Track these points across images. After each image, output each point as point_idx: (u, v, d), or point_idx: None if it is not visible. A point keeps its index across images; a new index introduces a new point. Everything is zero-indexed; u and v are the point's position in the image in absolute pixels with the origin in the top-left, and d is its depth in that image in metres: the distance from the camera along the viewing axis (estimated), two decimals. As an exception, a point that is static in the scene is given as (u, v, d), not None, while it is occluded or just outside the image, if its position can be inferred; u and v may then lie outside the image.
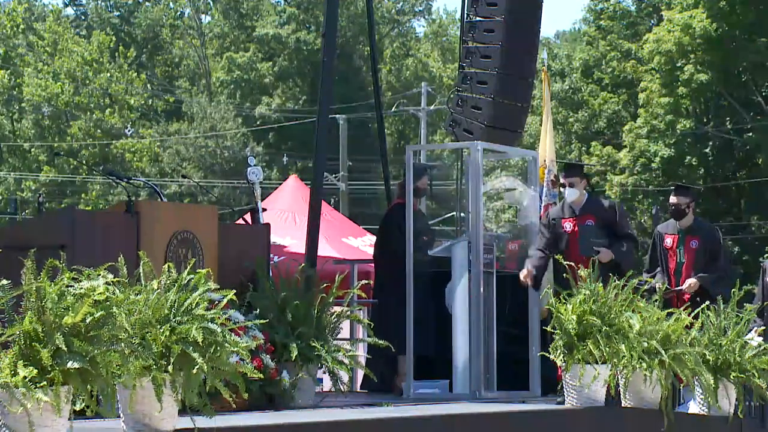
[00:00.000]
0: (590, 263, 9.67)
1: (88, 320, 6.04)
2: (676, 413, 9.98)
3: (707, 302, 10.40)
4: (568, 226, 10.94)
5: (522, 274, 10.97)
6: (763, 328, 10.95)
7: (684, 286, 11.09)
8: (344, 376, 9.82)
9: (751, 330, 10.84)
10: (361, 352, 11.51)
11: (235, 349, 6.70)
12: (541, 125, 16.43)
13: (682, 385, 10.10)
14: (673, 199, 11.40)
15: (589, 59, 44.69)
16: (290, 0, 56.39)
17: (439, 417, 8.67)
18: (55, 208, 40.23)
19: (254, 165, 11.28)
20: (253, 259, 9.61)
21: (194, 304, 6.73)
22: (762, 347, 10.58)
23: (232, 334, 6.79)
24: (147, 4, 59.62)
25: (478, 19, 11.46)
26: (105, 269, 6.33)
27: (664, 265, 11.29)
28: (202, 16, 60.28)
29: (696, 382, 10.01)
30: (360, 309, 12.38)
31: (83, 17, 59.68)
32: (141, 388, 6.40)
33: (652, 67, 39.96)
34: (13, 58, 50.82)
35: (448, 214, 39.60)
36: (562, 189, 11.39)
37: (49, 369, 5.88)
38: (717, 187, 39.23)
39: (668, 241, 11.31)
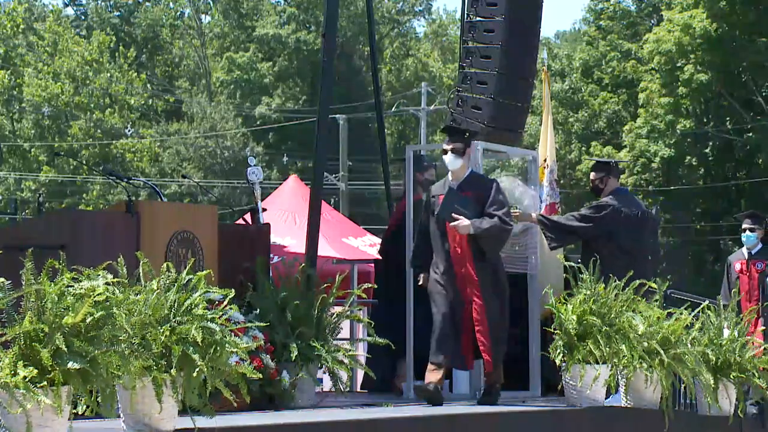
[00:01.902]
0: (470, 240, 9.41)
1: (88, 320, 6.04)
2: (676, 412, 9.99)
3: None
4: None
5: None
6: (764, 328, 10.95)
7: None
8: (344, 376, 9.82)
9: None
10: (362, 352, 11.51)
11: (235, 349, 6.70)
12: (541, 125, 16.43)
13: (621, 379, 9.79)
14: (591, 175, 11.48)
15: (589, 59, 44.70)
16: (290, 0, 56.39)
17: (439, 417, 8.67)
18: (55, 208, 40.24)
19: (254, 165, 11.28)
20: (253, 260, 9.61)
21: (194, 304, 6.73)
22: (762, 347, 10.59)
23: (232, 334, 6.79)
24: (147, 4, 59.61)
25: (478, 19, 11.45)
26: (104, 269, 6.33)
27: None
28: (202, 16, 60.32)
29: (696, 382, 10.02)
30: (360, 309, 12.38)
31: (83, 17, 59.68)
32: (141, 389, 6.40)
33: (652, 67, 39.96)
34: (13, 58, 50.82)
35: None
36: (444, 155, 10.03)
37: (49, 369, 5.88)
38: (717, 187, 39.23)
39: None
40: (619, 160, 11.69)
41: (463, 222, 9.49)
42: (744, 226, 12.86)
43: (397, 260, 11.25)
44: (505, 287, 9.75)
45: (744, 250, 12.84)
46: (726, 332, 10.28)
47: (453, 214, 9.51)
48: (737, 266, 12.82)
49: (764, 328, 11.27)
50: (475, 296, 9.55)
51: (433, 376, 9.44)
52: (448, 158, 9.77)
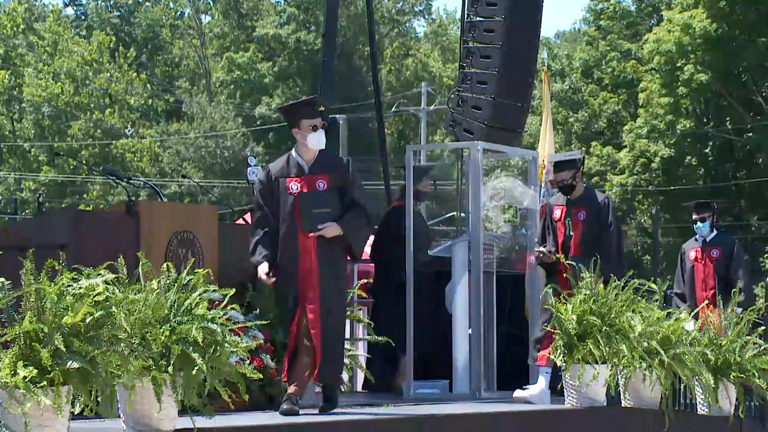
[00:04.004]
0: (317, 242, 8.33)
1: (87, 320, 6.04)
2: (676, 412, 9.99)
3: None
4: (294, 186, 8.53)
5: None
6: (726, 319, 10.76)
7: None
8: (344, 376, 9.81)
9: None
10: (362, 352, 11.51)
11: (235, 349, 6.70)
12: (541, 125, 16.43)
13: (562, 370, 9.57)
14: (551, 176, 10.78)
15: (589, 59, 44.73)
16: (290, 0, 56.39)
17: (439, 417, 8.67)
18: (55, 208, 40.25)
19: (254, 165, 11.29)
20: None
21: (194, 304, 6.73)
22: (763, 347, 10.59)
23: (232, 334, 6.80)
24: (147, 4, 59.62)
25: (478, 19, 11.46)
26: (104, 269, 6.33)
27: (554, 238, 10.47)
28: (202, 16, 60.33)
29: (696, 382, 10.02)
30: (360, 309, 12.37)
31: (83, 17, 59.69)
32: (141, 389, 6.40)
33: (652, 67, 39.98)
34: (13, 58, 50.82)
35: (448, 214, 39.61)
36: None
37: (49, 369, 5.88)
38: (717, 187, 39.24)
39: (557, 213, 10.55)
40: (576, 153, 11.13)
41: (330, 227, 8.42)
42: (694, 217, 12.78)
43: (389, 265, 11.39)
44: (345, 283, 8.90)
45: (698, 237, 12.74)
46: (689, 326, 10.21)
47: (318, 226, 8.42)
48: (692, 254, 12.68)
49: (765, 328, 11.22)
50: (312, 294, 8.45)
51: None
52: (318, 136, 8.54)
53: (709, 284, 12.46)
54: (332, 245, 8.45)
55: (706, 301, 11.90)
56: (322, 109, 8.75)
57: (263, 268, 8.40)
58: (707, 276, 12.47)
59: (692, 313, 10.62)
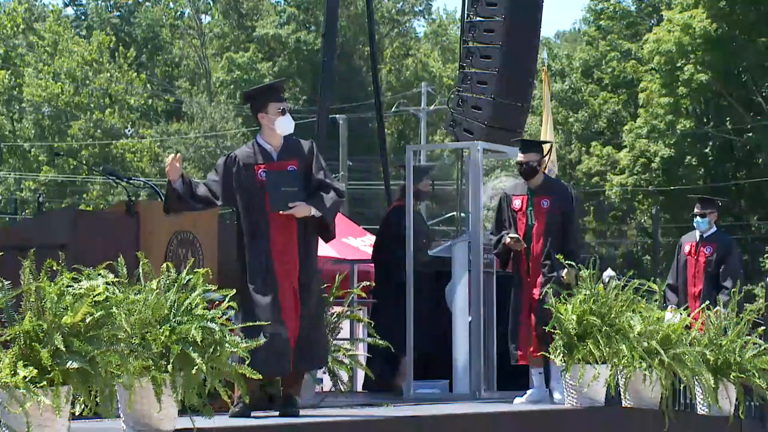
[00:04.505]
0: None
1: (87, 320, 6.04)
2: (676, 412, 9.99)
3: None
4: (263, 174, 8.27)
5: None
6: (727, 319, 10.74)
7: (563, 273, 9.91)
8: (344, 376, 9.82)
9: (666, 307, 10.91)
10: (362, 352, 11.51)
11: (235, 349, 6.70)
12: (541, 125, 16.43)
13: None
14: (520, 157, 10.21)
15: (589, 59, 44.74)
16: (290, 0, 56.39)
17: (439, 417, 8.67)
18: (55, 208, 40.23)
19: (254, 165, 11.26)
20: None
21: (194, 304, 6.73)
22: (763, 347, 10.59)
23: (232, 334, 6.80)
24: (147, 4, 59.62)
25: (478, 19, 11.46)
26: (104, 269, 6.33)
27: (515, 229, 10.18)
28: (202, 16, 60.33)
29: (696, 382, 10.02)
30: (360, 309, 12.38)
31: (83, 17, 59.68)
32: (140, 389, 6.40)
33: (652, 67, 39.99)
34: (13, 58, 50.80)
35: (448, 214, 39.61)
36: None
37: (49, 369, 5.88)
38: (717, 187, 39.25)
39: (517, 202, 10.25)
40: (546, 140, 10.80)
41: (300, 207, 8.11)
42: (695, 211, 12.76)
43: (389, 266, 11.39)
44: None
45: (696, 232, 12.71)
46: (669, 315, 10.19)
47: (288, 204, 8.12)
48: (686, 248, 12.65)
49: (765, 328, 11.21)
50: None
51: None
52: (285, 121, 8.23)
53: (698, 280, 12.43)
54: (306, 226, 8.16)
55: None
56: (286, 95, 8.50)
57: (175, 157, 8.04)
58: (698, 272, 12.43)
59: (681, 308, 10.62)
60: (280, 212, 8.07)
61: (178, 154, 8.07)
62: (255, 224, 8.13)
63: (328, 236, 8.33)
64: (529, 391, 10.06)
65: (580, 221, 10.65)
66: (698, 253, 12.48)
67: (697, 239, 12.57)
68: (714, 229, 12.65)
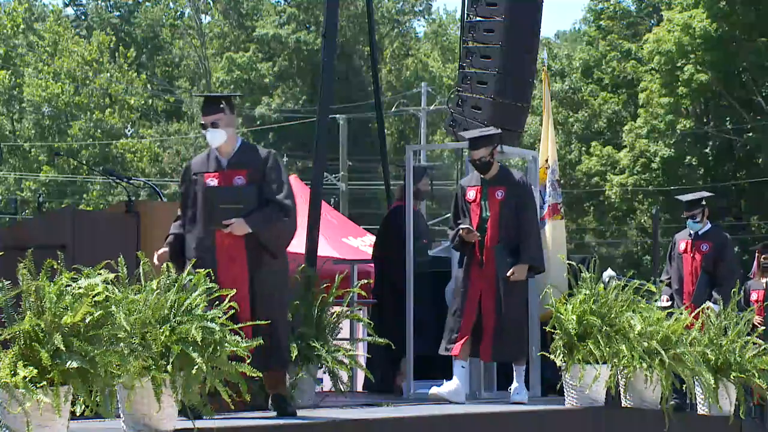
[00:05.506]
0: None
1: (87, 320, 6.04)
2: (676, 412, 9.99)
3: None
4: (211, 182, 8.18)
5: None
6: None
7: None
8: (344, 376, 9.82)
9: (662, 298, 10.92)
10: (362, 352, 11.51)
11: (235, 348, 6.70)
12: (541, 125, 16.42)
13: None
14: (473, 154, 10.08)
15: (589, 59, 44.72)
16: (290, 0, 56.39)
17: (439, 417, 8.67)
18: (55, 208, 40.23)
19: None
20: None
21: (194, 304, 6.73)
22: (763, 347, 10.60)
23: (232, 333, 6.80)
24: (147, 4, 59.61)
25: (478, 19, 11.46)
26: (104, 268, 6.33)
27: (469, 220, 10.07)
28: (202, 16, 60.32)
29: (696, 382, 10.02)
30: (360, 309, 12.37)
31: (83, 17, 59.66)
32: (140, 388, 6.40)
33: (652, 67, 39.98)
34: (14, 58, 50.80)
35: (448, 214, 39.60)
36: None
37: (49, 369, 5.88)
38: (717, 187, 39.26)
39: (471, 193, 10.16)
40: (492, 129, 10.60)
41: (237, 224, 7.96)
42: (685, 214, 12.76)
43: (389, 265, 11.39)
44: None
45: (690, 230, 12.70)
46: (663, 303, 10.18)
47: (224, 221, 7.97)
48: (681, 245, 12.63)
49: (764, 328, 11.22)
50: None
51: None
52: (209, 135, 8.14)
53: (696, 277, 12.41)
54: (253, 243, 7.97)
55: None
56: (222, 105, 8.16)
57: (160, 251, 8.03)
58: (695, 269, 12.42)
59: (675, 304, 10.63)
60: (218, 230, 7.95)
61: (162, 254, 7.98)
62: (200, 239, 8.05)
63: (271, 254, 8.09)
64: (450, 383, 9.84)
65: (535, 214, 10.36)
66: (694, 250, 12.47)
67: (692, 236, 12.56)
68: (708, 225, 12.64)
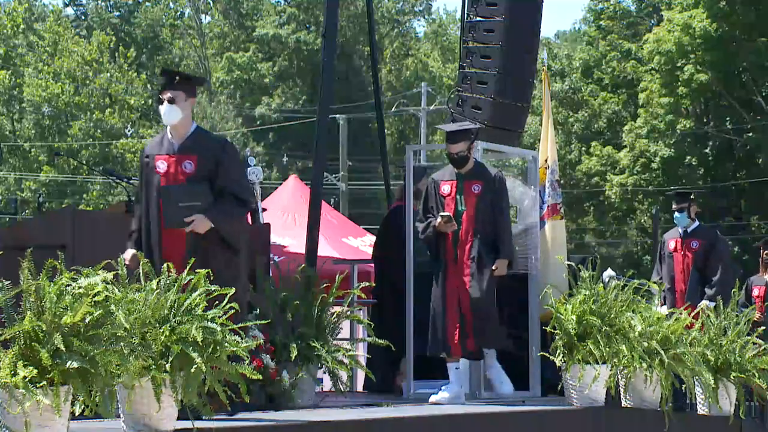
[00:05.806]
0: None
1: (87, 320, 6.04)
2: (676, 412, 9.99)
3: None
4: (161, 165, 7.93)
5: None
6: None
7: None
8: (344, 376, 9.82)
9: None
10: (362, 352, 11.51)
11: (235, 349, 6.70)
12: (541, 125, 16.42)
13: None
14: (451, 148, 9.99)
15: (589, 59, 44.73)
16: (290, 0, 56.39)
17: (439, 417, 8.67)
18: (55, 208, 40.23)
19: (254, 165, 11.28)
20: (253, 259, 9.59)
21: (194, 304, 6.73)
22: (763, 347, 10.60)
23: (232, 333, 6.79)
24: (147, 4, 59.62)
25: (478, 19, 11.46)
26: (104, 268, 6.33)
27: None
28: (202, 16, 60.33)
29: (696, 382, 10.02)
30: (360, 309, 12.37)
31: (83, 17, 59.66)
32: (140, 388, 6.40)
33: (652, 67, 39.99)
34: (14, 58, 50.81)
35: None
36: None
37: (49, 369, 5.88)
38: (717, 187, 39.26)
39: (445, 188, 10.09)
40: (468, 123, 10.53)
41: (198, 222, 7.71)
42: (673, 207, 12.77)
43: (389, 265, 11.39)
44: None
45: (678, 228, 12.70)
46: (656, 304, 10.21)
47: (185, 219, 7.71)
48: (671, 244, 12.63)
49: (765, 328, 11.21)
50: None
51: None
52: (164, 110, 7.86)
53: (687, 275, 12.41)
54: (204, 238, 7.75)
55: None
56: (182, 83, 7.88)
57: (127, 254, 7.73)
58: (687, 266, 12.42)
59: (669, 304, 10.65)
60: (178, 229, 7.72)
61: (133, 256, 7.70)
62: (148, 232, 7.88)
63: (231, 248, 7.88)
64: (450, 387, 9.87)
65: (509, 209, 10.27)
66: (684, 248, 12.47)
67: (681, 235, 12.56)
68: (697, 223, 12.65)
